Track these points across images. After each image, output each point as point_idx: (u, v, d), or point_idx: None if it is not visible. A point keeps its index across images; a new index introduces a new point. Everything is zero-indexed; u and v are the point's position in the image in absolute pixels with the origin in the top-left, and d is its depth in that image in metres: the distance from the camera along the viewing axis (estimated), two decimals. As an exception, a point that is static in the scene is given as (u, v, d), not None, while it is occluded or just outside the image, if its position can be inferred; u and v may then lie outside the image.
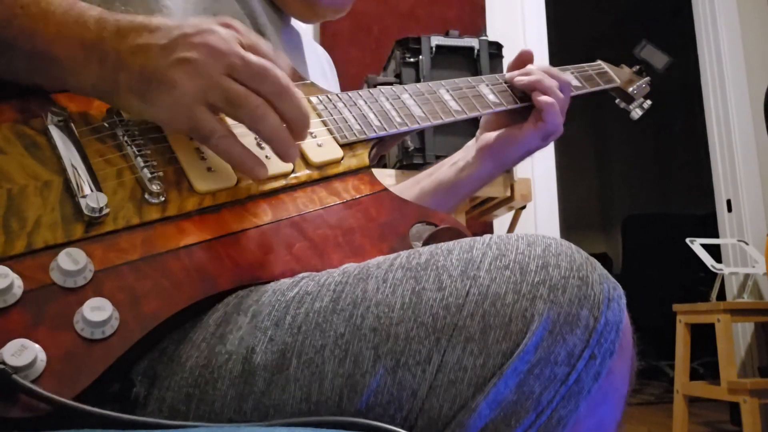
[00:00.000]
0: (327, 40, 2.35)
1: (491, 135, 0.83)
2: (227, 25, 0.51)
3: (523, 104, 0.81)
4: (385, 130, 0.67)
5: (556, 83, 0.80)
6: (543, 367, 0.41)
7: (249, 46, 0.51)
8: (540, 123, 0.79)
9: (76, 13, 0.51)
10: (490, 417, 0.40)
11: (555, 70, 0.84)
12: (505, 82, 0.83)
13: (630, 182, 6.01)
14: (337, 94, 0.69)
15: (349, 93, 0.70)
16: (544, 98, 0.78)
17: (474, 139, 0.87)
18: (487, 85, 0.80)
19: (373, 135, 0.66)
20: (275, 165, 0.57)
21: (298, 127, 0.52)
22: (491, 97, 0.79)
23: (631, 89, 0.96)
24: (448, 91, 0.76)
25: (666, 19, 5.28)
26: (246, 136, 0.54)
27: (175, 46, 0.49)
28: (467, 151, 0.86)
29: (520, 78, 0.81)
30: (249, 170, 0.52)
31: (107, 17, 0.51)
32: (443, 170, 0.87)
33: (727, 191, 3.09)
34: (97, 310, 0.43)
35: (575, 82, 0.88)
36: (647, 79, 1.00)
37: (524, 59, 0.85)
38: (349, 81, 0.99)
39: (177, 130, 0.54)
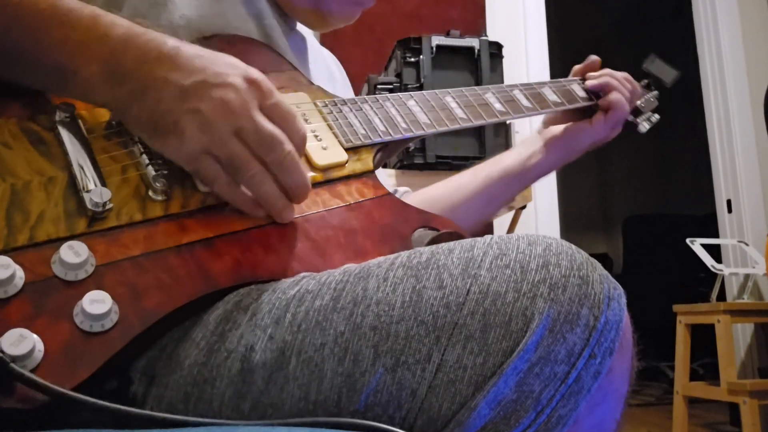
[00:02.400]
0: (329, 39, 2.35)
1: (559, 128, 0.93)
2: (252, 82, 0.51)
3: (531, 113, 0.86)
4: (390, 135, 0.68)
5: (623, 77, 0.94)
6: (543, 365, 0.41)
7: (269, 107, 0.51)
8: (611, 113, 0.91)
9: (101, 32, 0.50)
10: (490, 416, 0.40)
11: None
12: (513, 90, 0.86)
13: (630, 182, 6.01)
14: (343, 99, 0.70)
15: (356, 98, 0.70)
16: (613, 94, 0.91)
17: (536, 133, 0.96)
18: (494, 94, 0.82)
19: (377, 140, 0.67)
20: None
21: (296, 197, 0.54)
22: (498, 106, 0.80)
23: (639, 103, 0.97)
24: (454, 98, 0.77)
25: (666, 19, 5.28)
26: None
27: (192, 93, 0.49)
28: (530, 144, 0.94)
29: (591, 81, 0.93)
30: (250, 212, 0.53)
31: (134, 38, 0.50)
32: (507, 160, 0.93)
33: (727, 191, 3.09)
34: (97, 303, 0.43)
35: (581, 93, 0.94)
36: (655, 93, 1.01)
37: (592, 65, 0.96)
38: (350, 80, 0.99)
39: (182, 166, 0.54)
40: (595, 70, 0.96)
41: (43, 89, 0.54)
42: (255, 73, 0.52)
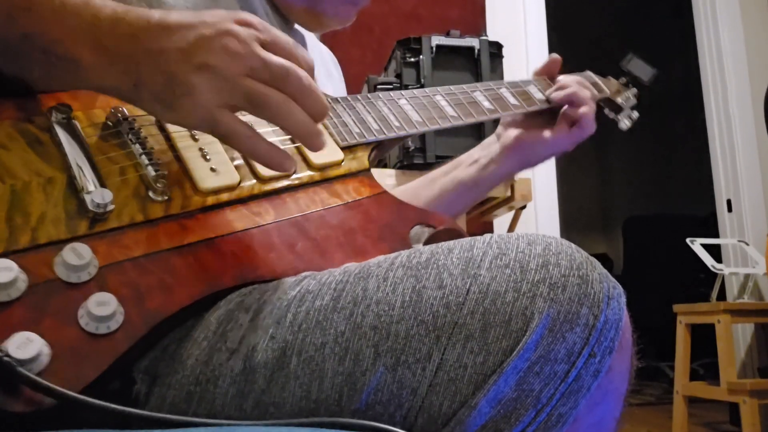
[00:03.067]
0: (328, 39, 2.34)
1: (516, 133, 0.87)
2: (246, 23, 0.51)
3: (518, 111, 0.84)
4: (384, 133, 0.69)
5: (589, 93, 0.87)
6: (543, 364, 0.41)
7: (269, 43, 0.51)
8: (575, 129, 0.85)
9: (90, 14, 0.50)
10: (490, 415, 0.40)
11: (585, 78, 0.91)
12: (503, 88, 0.85)
13: (630, 182, 6.01)
14: (336, 98, 0.70)
15: (348, 97, 0.71)
16: (582, 110, 0.85)
17: (494, 136, 0.90)
18: (482, 92, 0.82)
19: (372, 138, 0.67)
20: None
21: (319, 116, 0.52)
22: (486, 104, 0.81)
23: (619, 99, 0.97)
24: (444, 97, 0.78)
25: (666, 19, 5.28)
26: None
27: (194, 51, 0.48)
28: (488, 149, 0.89)
29: (556, 93, 0.86)
30: (277, 165, 0.52)
31: (121, 16, 0.50)
32: (462, 169, 0.89)
33: (727, 191, 3.09)
34: (102, 305, 0.43)
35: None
36: (635, 90, 1.01)
37: (553, 65, 0.91)
38: (350, 81, 1.00)
39: (201, 131, 0.53)
40: (555, 72, 0.91)
41: (54, 84, 0.53)
42: (245, 14, 0.52)
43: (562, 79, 0.89)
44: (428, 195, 0.88)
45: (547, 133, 0.86)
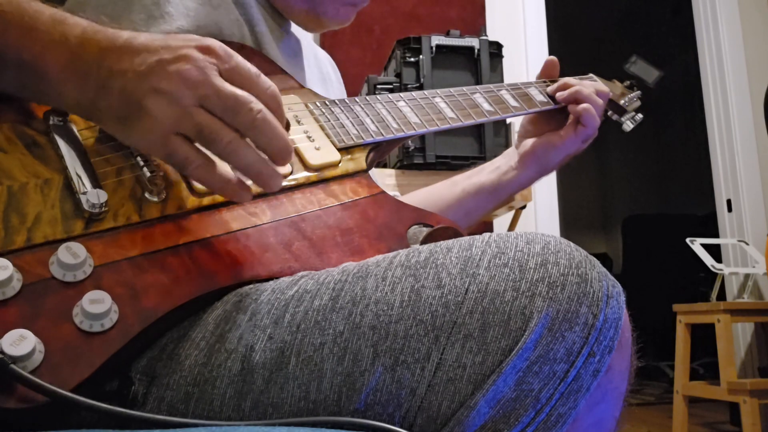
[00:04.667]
0: (328, 40, 2.35)
1: (531, 142, 0.90)
2: (207, 50, 0.49)
3: (518, 113, 0.85)
4: (382, 135, 0.69)
5: (593, 89, 0.88)
6: (542, 364, 0.41)
7: (228, 70, 0.49)
8: (580, 128, 0.87)
9: (59, 31, 0.50)
10: (489, 415, 0.40)
11: (588, 80, 0.94)
12: (503, 90, 0.86)
13: (630, 182, 6.02)
14: (334, 100, 0.70)
15: (346, 99, 0.71)
16: (582, 106, 0.86)
17: (513, 146, 0.94)
18: (482, 94, 0.82)
19: (370, 140, 0.67)
20: None
21: (277, 157, 0.50)
22: (486, 105, 0.81)
23: (623, 101, 0.97)
24: (443, 99, 0.78)
25: (666, 19, 5.29)
26: None
27: (150, 74, 0.48)
28: (508, 157, 0.92)
29: (560, 93, 0.88)
30: (233, 197, 0.51)
31: (90, 36, 0.50)
32: (484, 174, 0.92)
33: (727, 191, 3.09)
34: (97, 303, 0.43)
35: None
36: (638, 93, 1.01)
37: (551, 67, 0.93)
38: (350, 81, 1.00)
39: (155, 156, 0.52)
40: (555, 74, 0.93)
41: (24, 97, 0.53)
42: (209, 41, 0.50)
43: (565, 79, 0.91)
44: (450, 196, 0.91)
45: (556, 137, 0.88)
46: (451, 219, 0.85)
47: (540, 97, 0.88)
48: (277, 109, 0.51)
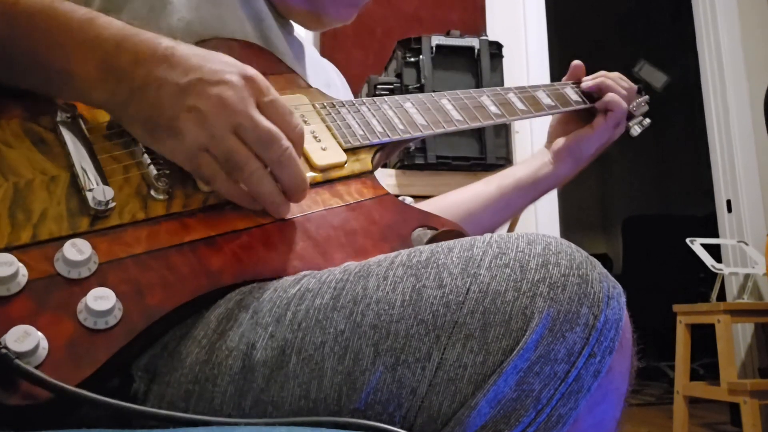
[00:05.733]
0: (329, 41, 2.35)
1: (562, 139, 0.93)
2: (249, 79, 0.51)
3: (525, 116, 0.85)
4: (388, 136, 0.69)
5: (617, 76, 0.94)
6: (543, 364, 0.41)
7: (266, 104, 0.51)
8: (610, 114, 0.91)
9: (94, 33, 0.50)
10: (490, 415, 0.40)
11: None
12: (510, 93, 0.87)
13: (630, 182, 6.01)
14: (341, 101, 0.70)
15: (353, 100, 0.71)
16: (610, 94, 0.91)
17: (543, 148, 0.96)
18: (489, 97, 0.82)
19: (376, 141, 0.67)
20: None
21: (294, 194, 0.54)
22: (492, 108, 0.81)
23: (631, 107, 0.98)
24: (449, 101, 0.78)
25: (666, 20, 5.28)
26: None
27: (189, 91, 0.49)
28: (541, 155, 0.95)
29: (586, 83, 0.93)
30: (248, 206, 0.54)
31: (128, 39, 0.50)
32: (519, 170, 0.94)
33: (727, 191, 3.09)
34: (101, 300, 0.43)
35: (575, 97, 0.94)
36: (646, 97, 1.02)
37: (578, 71, 0.96)
38: (350, 81, 1.00)
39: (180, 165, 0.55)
40: (581, 75, 0.96)
41: (44, 92, 0.54)
42: (251, 70, 0.52)
43: (593, 75, 0.95)
44: (487, 192, 0.92)
45: (588, 129, 0.91)
46: (491, 211, 0.88)
47: (547, 101, 0.89)
48: (300, 147, 0.54)
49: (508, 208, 0.92)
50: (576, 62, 0.97)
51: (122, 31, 0.51)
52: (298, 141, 0.53)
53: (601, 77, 0.93)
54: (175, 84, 0.49)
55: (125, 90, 0.50)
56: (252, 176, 0.51)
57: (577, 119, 0.94)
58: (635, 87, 0.97)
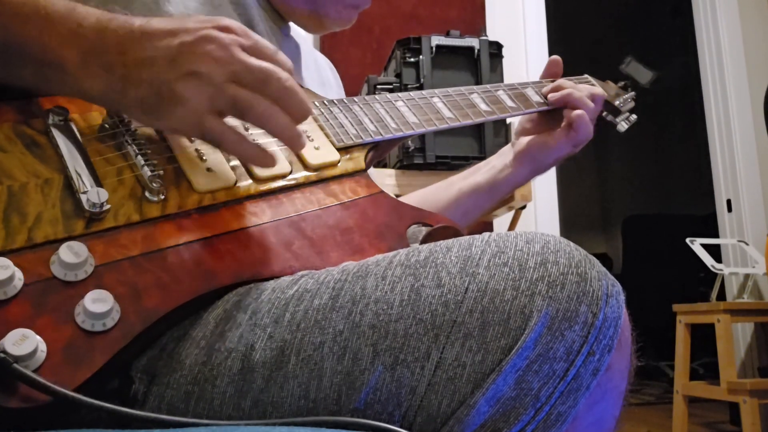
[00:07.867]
0: (328, 40, 2.35)
1: (526, 140, 0.90)
2: (227, 29, 0.52)
3: (516, 113, 0.85)
4: (381, 135, 0.69)
5: (587, 93, 0.87)
6: (542, 363, 0.41)
7: (250, 48, 0.52)
8: (572, 133, 0.86)
9: (74, 23, 0.51)
10: (489, 413, 0.40)
11: (582, 82, 0.93)
12: (500, 91, 0.86)
13: (630, 182, 6.01)
14: (332, 100, 0.70)
15: (345, 99, 0.72)
16: (576, 112, 0.85)
17: (510, 144, 0.93)
18: (479, 95, 0.83)
19: (369, 140, 0.67)
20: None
21: (302, 117, 0.54)
22: (483, 106, 0.81)
23: (617, 102, 0.97)
24: (441, 99, 0.78)
25: (666, 19, 5.28)
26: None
27: (178, 58, 0.49)
28: (504, 156, 0.92)
29: (552, 94, 0.88)
30: (262, 165, 0.55)
31: (105, 25, 0.51)
32: (480, 173, 0.92)
33: (727, 191, 3.09)
34: (99, 302, 0.43)
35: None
36: (632, 93, 1.01)
37: (554, 66, 0.93)
38: (350, 81, 1.00)
39: (190, 137, 0.56)
40: (558, 71, 0.93)
41: (42, 89, 0.54)
42: (225, 20, 0.53)
43: (559, 81, 0.91)
44: (447, 197, 0.91)
45: (550, 139, 0.88)
46: (449, 217, 0.86)
47: (536, 98, 0.88)
48: (293, 77, 0.55)
49: (467, 214, 0.91)
50: (553, 57, 0.94)
51: (101, 18, 0.51)
52: (290, 71, 0.54)
53: (569, 90, 0.87)
54: (163, 57, 0.50)
55: (118, 78, 0.50)
56: (264, 113, 0.51)
57: (546, 118, 0.90)
58: (600, 93, 0.90)
